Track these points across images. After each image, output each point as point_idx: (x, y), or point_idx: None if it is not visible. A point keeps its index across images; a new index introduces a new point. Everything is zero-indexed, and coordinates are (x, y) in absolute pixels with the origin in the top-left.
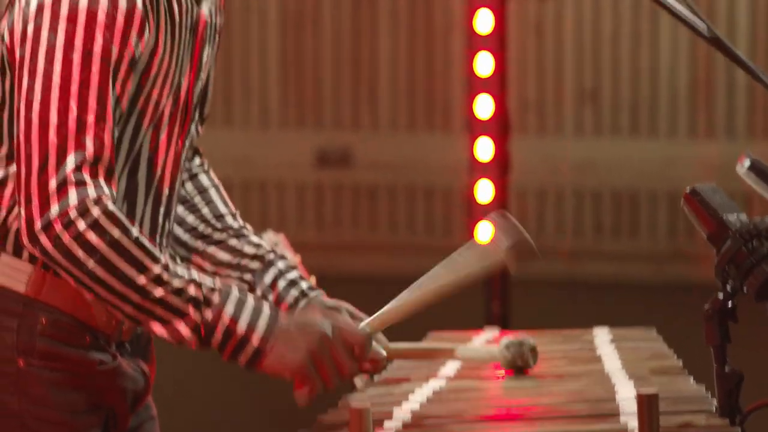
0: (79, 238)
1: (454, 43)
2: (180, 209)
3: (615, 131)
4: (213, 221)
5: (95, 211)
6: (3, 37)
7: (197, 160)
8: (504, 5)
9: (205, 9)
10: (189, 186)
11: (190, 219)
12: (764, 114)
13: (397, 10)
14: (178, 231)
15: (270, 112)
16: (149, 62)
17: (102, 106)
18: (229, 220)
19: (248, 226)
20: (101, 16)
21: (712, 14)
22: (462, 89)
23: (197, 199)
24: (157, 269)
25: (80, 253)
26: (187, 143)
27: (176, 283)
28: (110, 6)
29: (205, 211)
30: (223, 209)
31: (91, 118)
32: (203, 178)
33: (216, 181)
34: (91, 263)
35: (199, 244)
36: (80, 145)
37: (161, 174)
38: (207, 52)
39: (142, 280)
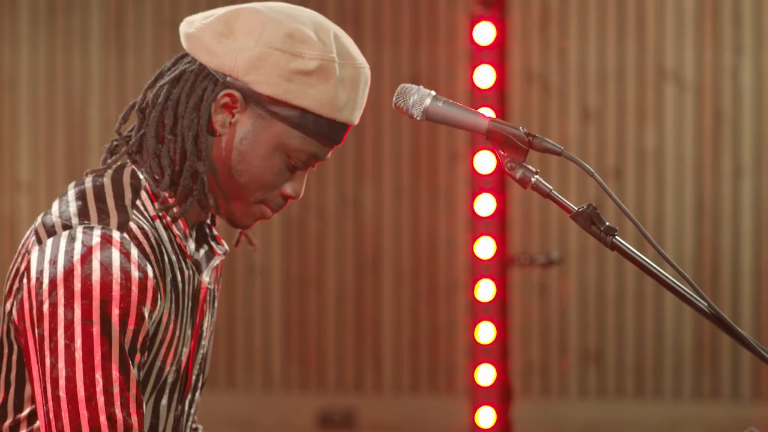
0: None
1: (456, 307)
2: None
3: (619, 393)
4: None
5: None
6: (11, 314)
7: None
8: (505, 273)
9: (206, 277)
10: None
11: None
12: None
13: (400, 272)
14: None
15: (273, 375)
16: (155, 331)
17: (125, 375)
18: None
19: None
20: (116, 288)
21: (714, 289)
22: (464, 354)
23: None
24: None
25: None
26: (188, 409)
27: None
28: (123, 277)
29: None
30: None
31: (116, 389)
32: None
33: None
34: None
35: None
36: (111, 416)
37: None
38: (207, 320)
39: None
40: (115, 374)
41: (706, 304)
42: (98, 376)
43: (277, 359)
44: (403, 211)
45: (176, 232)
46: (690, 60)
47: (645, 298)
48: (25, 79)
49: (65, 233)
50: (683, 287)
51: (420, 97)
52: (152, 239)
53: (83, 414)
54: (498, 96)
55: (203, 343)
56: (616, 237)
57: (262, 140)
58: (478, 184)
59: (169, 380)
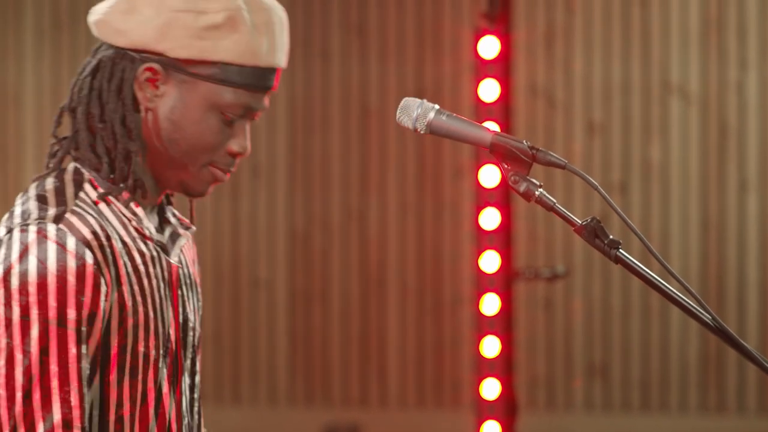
0: None
1: (461, 322)
2: None
3: (625, 407)
4: None
5: None
6: None
7: None
8: (510, 287)
9: (174, 258)
10: None
11: None
12: None
13: (405, 286)
14: None
15: (278, 389)
16: (121, 316)
17: (64, 369)
18: None
19: None
20: (51, 281)
21: (720, 303)
22: (470, 367)
23: None
24: None
25: None
26: (187, 394)
27: None
28: (59, 269)
29: None
30: None
31: (55, 383)
32: None
33: None
34: None
35: None
36: (48, 412)
37: (168, 427)
38: (192, 301)
39: None
40: (54, 369)
41: (710, 317)
42: (35, 372)
43: (282, 373)
44: (408, 225)
45: (129, 215)
46: (695, 74)
47: (650, 312)
48: (29, 93)
49: (5, 237)
50: (688, 301)
51: (423, 111)
52: (95, 226)
53: (19, 410)
54: (503, 110)
55: (190, 325)
56: (620, 250)
57: (192, 104)
58: (483, 198)
59: (162, 366)
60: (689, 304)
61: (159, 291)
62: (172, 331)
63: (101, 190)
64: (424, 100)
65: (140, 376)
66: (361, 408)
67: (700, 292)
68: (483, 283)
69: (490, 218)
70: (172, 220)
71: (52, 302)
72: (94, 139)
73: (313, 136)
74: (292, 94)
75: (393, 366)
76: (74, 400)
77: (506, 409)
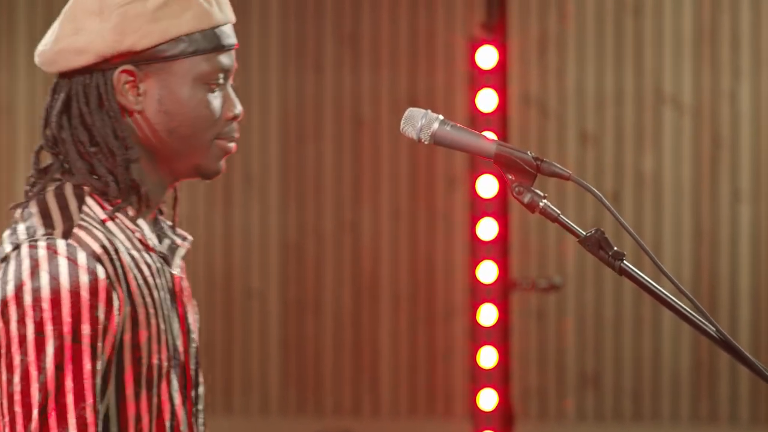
0: None
1: (454, 331)
2: None
3: (617, 417)
4: None
5: None
6: None
7: None
8: (507, 297)
9: (176, 269)
10: None
11: None
12: (767, 401)
13: (398, 296)
14: None
15: (270, 399)
16: (134, 330)
17: (79, 385)
18: None
19: None
20: (65, 296)
21: (712, 313)
22: (462, 377)
23: None
24: None
25: None
26: (199, 407)
27: None
28: (72, 284)
29: None
30: None
31: (70, 399)
32: None
33: None
34: None
35: None
36: (64, 429)
37: None
38: (192, 313)
39: None
40: (70, 385)
41: (714, 329)
42: (51, 388)
43: (274, 383)
44: (401, 234)
45: (133, 228)
46: (688, 84)
47: (642, 322)
48: (22, 103)
49: (14, 254)
50: (693, 313)
51: (428, 121)
52: (103, 240)
53: (35, 427)
54: (500, 120)
55: (193, 336)
56: (624, 262)
57: (176, 87)
58: (480, 208)
59: (174, 377)
60: (694, 316)
61: (166, 302)
62: (179, 343)
63: (108, 209)
64: (429, 111)
65: (155, 389)
66: (354, 417)
67: None
68: (480, 293)
69: (487, 228)
70: (169, 231)
71: (66, 318)
72: (91, 165)
73: (305, 146)
74: (284, 104)
75: (385, 375)
76: (89, 416)
77: (503, 419)
